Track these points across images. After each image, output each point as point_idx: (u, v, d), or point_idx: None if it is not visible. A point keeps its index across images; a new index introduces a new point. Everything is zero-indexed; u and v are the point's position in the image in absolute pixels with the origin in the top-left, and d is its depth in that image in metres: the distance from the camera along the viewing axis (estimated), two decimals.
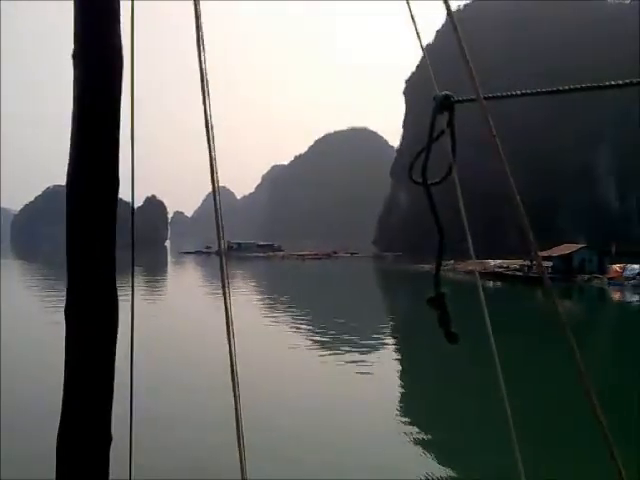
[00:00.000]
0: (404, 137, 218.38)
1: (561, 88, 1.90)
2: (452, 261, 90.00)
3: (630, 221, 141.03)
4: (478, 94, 1.72)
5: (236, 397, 1.64)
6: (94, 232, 1.76)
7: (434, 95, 1.86)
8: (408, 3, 2.05)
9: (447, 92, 1.85)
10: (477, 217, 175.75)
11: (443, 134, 1.92)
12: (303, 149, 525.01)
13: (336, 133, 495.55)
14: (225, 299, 1.71)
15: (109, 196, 1.80)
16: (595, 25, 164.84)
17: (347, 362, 24.98)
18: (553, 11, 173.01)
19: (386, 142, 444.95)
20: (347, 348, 27.92)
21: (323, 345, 28.93)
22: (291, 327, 34.30)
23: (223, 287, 1.71)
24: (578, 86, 1.92)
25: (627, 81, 1.76)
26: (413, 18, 2.08)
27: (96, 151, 1.79)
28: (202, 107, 1.72)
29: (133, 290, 2.38)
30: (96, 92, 1.80)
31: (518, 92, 1.99)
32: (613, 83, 1.82)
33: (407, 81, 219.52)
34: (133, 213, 2.50)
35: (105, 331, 1.77)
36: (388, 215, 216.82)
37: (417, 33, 2.15)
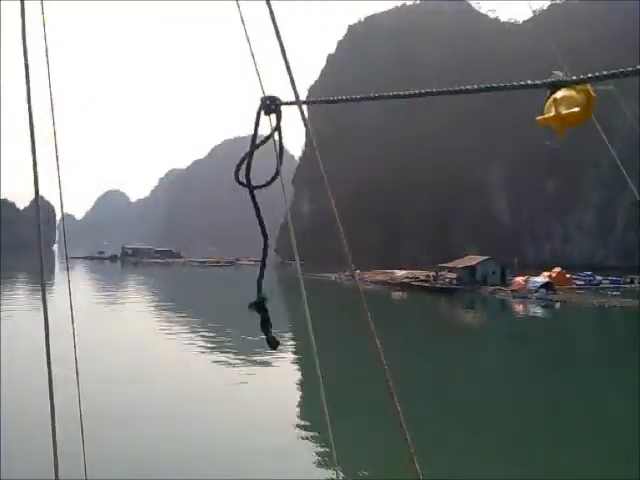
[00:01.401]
0: (307, 144, 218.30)
1: (402, 93, 1.89)
2: (358, 271, 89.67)
3: (520, 235, 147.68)
4: (297, 98, 1.75)
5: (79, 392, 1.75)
6: None
7: (261, 97, 1.83)
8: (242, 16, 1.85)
9: (273, 95, 1.82)
10: (379, 228, 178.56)
11: (270, 138, 1.87)
12: (202, 154, 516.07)
13: (237, 139, 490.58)
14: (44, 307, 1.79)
15: None
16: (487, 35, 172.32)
17: (239, 372, 22.78)
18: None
19: (287, 150, 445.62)
20: (244, 361, 25.56)
21: (215, 356, 26.37)
22: (183, 341, 30.97)
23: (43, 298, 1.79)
24: (427, 90, 1.87)
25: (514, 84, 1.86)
26: (244, 24, 1.85)
27: None
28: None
29: None
30: None
31: (343, 97, 2.00)
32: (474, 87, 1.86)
33: (310, 89, 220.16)
34: None
35: None
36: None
37: (248, 40, 1.87)
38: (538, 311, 49.12)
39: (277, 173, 1.92)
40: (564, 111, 1.82)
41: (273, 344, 1.81)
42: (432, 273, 67.93)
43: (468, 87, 1.84)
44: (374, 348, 1.78)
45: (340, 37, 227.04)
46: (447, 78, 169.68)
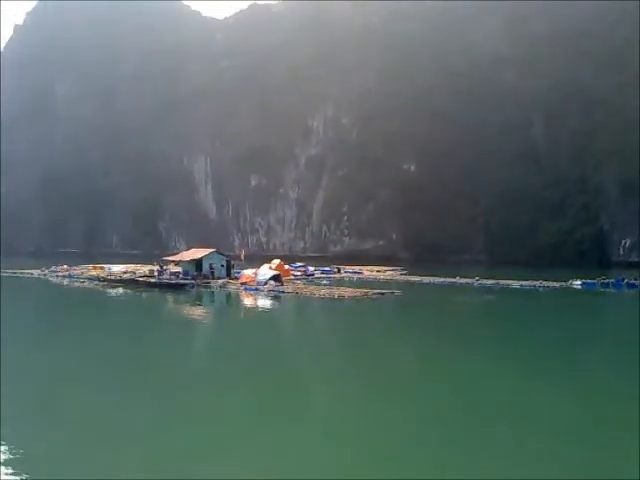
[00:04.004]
0: None
1: None
2: (65, 265, 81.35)
3: (225, 227, 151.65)
4: None
5: None
6: None
7: None
8: None
9: None
10: (80, 218, 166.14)
11: None
12: None
13: None
14: None
15: None
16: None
17: None
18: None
19: None
20: None
21: None
22: None
23: None
24: None
25: None
26: None
27: None
28: None
29: None
30: None
31: None
32: None
33: None
34: None
35: None
36: None
37: None
38: (268, 302, 50.27)
39: None
40: None
41: None
42: (156, 267, 65.03)
43: None
44: None
45: (29, 8, 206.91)
46: (151, 67, 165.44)
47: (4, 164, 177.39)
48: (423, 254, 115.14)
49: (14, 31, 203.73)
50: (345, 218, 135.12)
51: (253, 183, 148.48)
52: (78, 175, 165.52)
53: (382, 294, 49.83)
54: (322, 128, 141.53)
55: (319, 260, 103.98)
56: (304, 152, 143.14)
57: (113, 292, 58.51)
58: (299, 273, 71.63)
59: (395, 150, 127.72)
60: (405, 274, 75.70)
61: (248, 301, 51.62)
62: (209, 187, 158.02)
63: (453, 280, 63.20)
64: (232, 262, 67.27)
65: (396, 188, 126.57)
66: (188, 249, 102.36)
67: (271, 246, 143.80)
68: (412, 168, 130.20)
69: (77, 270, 76.41)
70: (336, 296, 48.30)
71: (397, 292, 51.75)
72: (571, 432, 16.59)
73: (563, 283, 58.98)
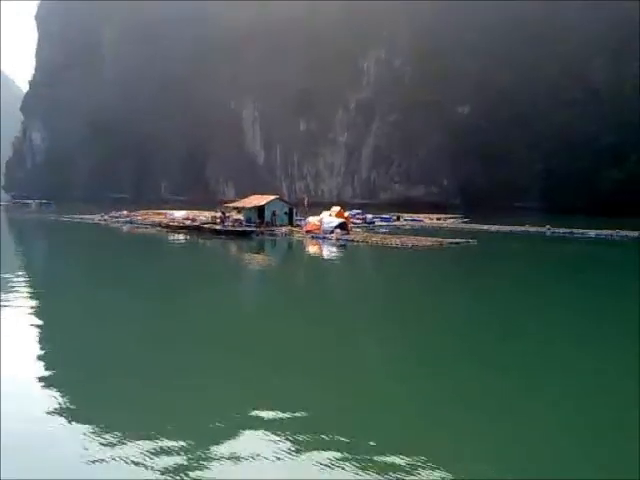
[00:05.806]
0: (38, 66, 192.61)
1: None
2: (125, 211, 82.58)
3: (274, 173, 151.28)
4: None
5: None
6: None
7: None
8: None
9: None
10: (130, 164, 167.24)
11: None
12: None
13: None
14: None
15: None
16: None
17: None
18: None
19: (6, 76, 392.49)
20: None
21: None
22: None
23: None
24: None
25: None
26: None
27: None
28: None
29: None
30: None
31: None
32: None
33: (40, 5, 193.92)
34: None
35: None
36: (20, 157, 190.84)
37: None
38: (333, 250, 48.86)
39: None
40: None
41: None
42: (219, 214, 65.08)
43: None
44: None
45: None
46: (197, 8, 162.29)
47: (52, 109, 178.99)
48: (475, 201, 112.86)
49: None
50: (395, 164, 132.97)
51: (302, 128, 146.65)
52: (125, 120, 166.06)
53: (457, 243, 48.56)
54: (373, 70, 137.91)
55: (368, 207, 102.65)
56: (354, 95, 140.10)
57: (178, 238, 58.66)
58: (359, 221, 70.72)
59: (448, 92, 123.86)
60: (467, 222, 74.19)
61: (320, 250, 50.10)
62: (257, 132, 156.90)
63: (522, 229, 61.40)
64: (294, 209, 66.61)
65: (449, 133, 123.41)
66: (237, 195, 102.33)
67: (319, 192, 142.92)
68: (466, 111, 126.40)
69: (138, 216, 77.23)
70: (410, 245, 47.08)
71: (472, 241, 50.23)
72: None
73: None
